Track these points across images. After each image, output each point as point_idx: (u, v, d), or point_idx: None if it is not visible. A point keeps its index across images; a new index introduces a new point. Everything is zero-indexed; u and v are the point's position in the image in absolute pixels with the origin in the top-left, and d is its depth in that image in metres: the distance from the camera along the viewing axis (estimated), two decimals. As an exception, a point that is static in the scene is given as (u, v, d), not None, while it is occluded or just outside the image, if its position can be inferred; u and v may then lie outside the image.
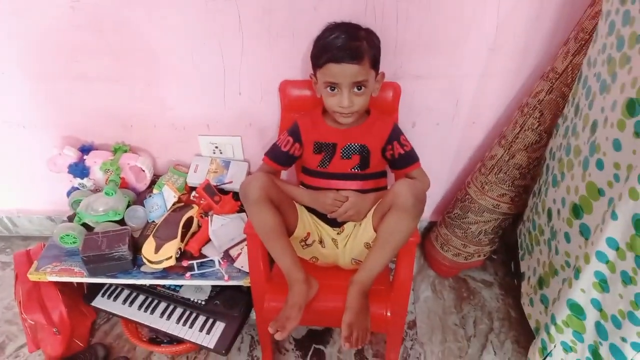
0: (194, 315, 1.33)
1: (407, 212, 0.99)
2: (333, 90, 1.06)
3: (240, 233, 1.28)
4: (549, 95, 1.18)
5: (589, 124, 0.98)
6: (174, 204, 1.35)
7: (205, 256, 1.26)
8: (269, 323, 1.00)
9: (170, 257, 1.20)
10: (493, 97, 1.32)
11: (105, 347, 1.38)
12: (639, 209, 0.78)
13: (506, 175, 1.31)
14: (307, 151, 1.17)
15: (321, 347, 1.40)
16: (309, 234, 1.16)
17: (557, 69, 1.15)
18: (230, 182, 1.42)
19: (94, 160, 1.40)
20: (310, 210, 1.17)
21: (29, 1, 1.15)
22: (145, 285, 1.35)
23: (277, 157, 1.19)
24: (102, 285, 1.41)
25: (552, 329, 1.07)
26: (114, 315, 1.38)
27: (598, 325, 0.96)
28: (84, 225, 1.33)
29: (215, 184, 1.39)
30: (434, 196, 1.61)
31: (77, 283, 1.39)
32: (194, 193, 1.39)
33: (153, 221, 1.33)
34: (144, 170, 1.44)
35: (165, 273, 1.23)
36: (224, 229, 1.28)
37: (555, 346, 1.09)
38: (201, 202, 1.35)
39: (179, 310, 1.34)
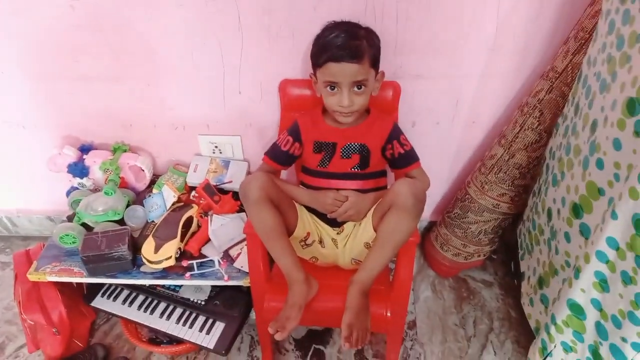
0: (193, 315, 1.33)
1: (407, 212, 0.99)
2: (333, 89, 1.06)
3: (240, 233, 1.28)
4: (549, 95, 1.18)
5: (589, 123, 0.98)
6: (173, 204, 1.35)
7: (204, 256, 1.26)
8: (268, 323, 1.00)
9: (170, 257, 1.20)
10: (493, 97, 1.32)
11: (104, 347, 1.37)
12: (639, 209, 0.78)
13: (506, 175, 1.31)
14: (307, 151, 1.17)
15: (321, 347, 1.40)
16: (308, 233, 1.15)
17: (557, 68, 1.15)
18: (230, 181, 1.41)
19: (93, 160, 1.40)
20: (310, 210, 1.17)
21: (29, 1, 1.15)
22: (144, 285, 1.35)
23: (277, 156, 1.19)
24: (102, 285, 1.41)
25: (552, 329, 1.07)
26: (113, 315, 1.38)
27: (598, 325, 0.96)
28: (84, 225, 1.33)
29: (214, 183, 1.39)
30: (434, 196, 1.61)
31: (76, 283, 1.39)
32: (193, 193, 1.39)
33: (152, 221, 1.33)
34: (143, 170, 1.44)
35: (165, 273, 1.23)
36: (223, 229, 1.28)
37: (555, 346, 1.09)
38: (201, 201, 1.35)
39: (178, 311, 1.34)
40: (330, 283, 1.11)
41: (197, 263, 1.23)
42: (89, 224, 1.33)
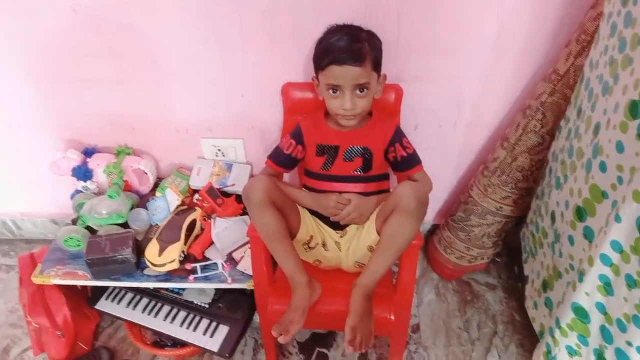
0: (197, 318, 1.33)
1: (410, 215, 0.99)
2: (335, 92, 1.06)
3: (243, 236, 1.28)
4: (551, 97, 1.18)
5: (591, 126, 0.98)
6: (177, 207, 1.36)
7: (208, 259, 1.26)
8: (272, 326, 1.00)
9: (174, 260, 1.20)
10: (495, 99, 1.32)
11: (109, 350, 1.38)
12: (643, 211, 0.78)
13: (509, 178, 1.31)
14: (309, 153, 1.17)
15: (324, 350, 1.40)
16: (311, 236, 1.16)
17: (559, 70, 1.15)
18: (233, 184, 1.42)
19: (97, 163, 1.40)
20: (313, 212, 1.17)
21: (31, 3, 1.16)
22: (148, 288, 1.35)
23: (280, 159, 1.19)
24: (106, 288, 1.41)
25: (557, 333, 1.07)
26: (117, 318, 1.37)
27: (603, 328, 0.96)
28: (88, 228, 1.34)
29: (218, 186, 1.39)
30: (437, 199, 1.61)
31: (81, 286, 1.39)
32: (196, 196, 1.39)
33: (156, 224, 1.33)
34: (146, 173, 1.44)
35: (169, 276, 1.24)
36: (227, 232, 1.28)
37: (559, 350, 1.08)
38: (204, 204, 1.36)
39: (182, 314, 1.34)
40: (334, 286, 1.11)
41: (200, 266, 1.23)
42: (93, 227, 1.34)
